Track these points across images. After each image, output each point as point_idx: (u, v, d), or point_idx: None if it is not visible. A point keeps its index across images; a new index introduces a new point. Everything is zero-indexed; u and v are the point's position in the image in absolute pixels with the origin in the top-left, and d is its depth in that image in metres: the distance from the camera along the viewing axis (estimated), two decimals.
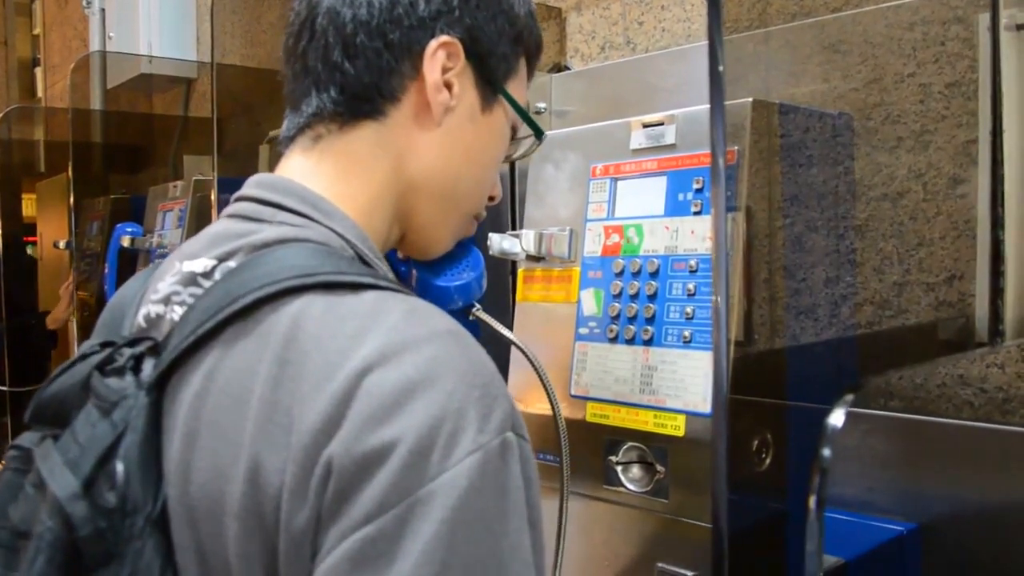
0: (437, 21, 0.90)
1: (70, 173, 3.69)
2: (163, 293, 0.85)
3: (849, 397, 0.93)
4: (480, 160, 0.98)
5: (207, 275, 0.83)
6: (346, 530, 0.67)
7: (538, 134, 1.06)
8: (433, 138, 0.92)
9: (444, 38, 0.90)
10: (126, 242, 3.02)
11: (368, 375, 0.70)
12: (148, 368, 0.80)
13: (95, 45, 4.89)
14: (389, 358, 0.71)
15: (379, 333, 0.72)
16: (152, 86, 4.25)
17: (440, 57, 0.90)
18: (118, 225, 3.10)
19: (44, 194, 4.94)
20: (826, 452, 0.89)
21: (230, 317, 0.77)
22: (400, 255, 1.06)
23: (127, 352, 0.81)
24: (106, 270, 3.07)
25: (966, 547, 1.25)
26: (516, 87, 0.99)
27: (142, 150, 4.46)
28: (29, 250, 5.33)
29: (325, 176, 0.90)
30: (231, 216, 0.89)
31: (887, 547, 1.25)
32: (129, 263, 3.05)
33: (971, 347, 1.33)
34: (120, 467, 0.75)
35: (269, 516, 0.71)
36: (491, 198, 1.04)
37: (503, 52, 0.95)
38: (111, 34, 4.37)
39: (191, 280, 0.83)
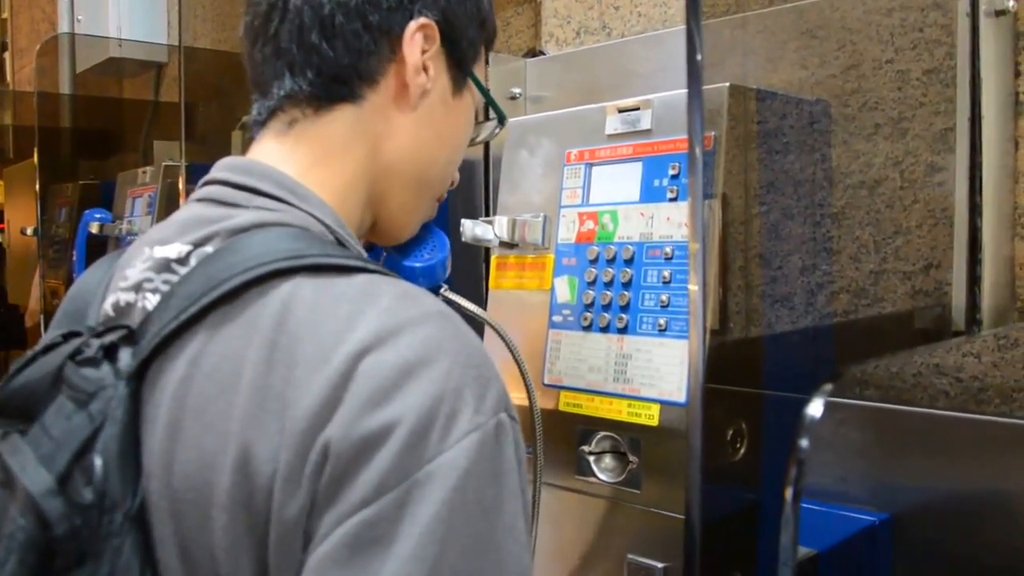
0: (415, 3, 0.89)
1: (36, 158, 3.64)
2: (133, 280, 0.83)
3: (828, 387, 0.91)
4: (451, 143, 0.98)
5: (182, 261, 0.81)
6: (343, 514, 0.66)
7: (501, 119, 1.06)
8: (409, 121, 0.92)
9: (423, 20, 0.89)
10: (95, 228, 2.98)
11: (365, 357, 0.69)
12: (125, 357, 0.77)
13: (64, 28, 4.83)
14: (385, 340, 0.70)
15: (373, 315, 0.72)
16: (122, 70, 4.20)
17: (419, 39, 0.89)
18: (86, 211, 3.06)
19: (11, 180, 4.88)
20: (803, 443, 0.88)
21: (215, 302, 0.75)
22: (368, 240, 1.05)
23: (96, 343, 0.78)
24: (74, 257, 3.02)
25: (938, 537, 1.25)
26: (480, 71, 1.00)
27: (112, 135, 4.41)
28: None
29: (301, 161, 0.88)
30: (202, 200, 0.86)
31: (859, 537, 1.25)
32: (98, 250, 3.02)
33: (947, 336, 1.33)
34: (99, 461, 0.72)
35: (260, 505, 0.70)
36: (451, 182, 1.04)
37: (472, 36, 0.96)
38: (79, 17, 4.32)
39: (164, 266, 0.81)
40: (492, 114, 1.06)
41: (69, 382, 0.76)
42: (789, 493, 0.87)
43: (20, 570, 0.70)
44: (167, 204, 2.80)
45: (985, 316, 1.31)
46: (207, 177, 0.89)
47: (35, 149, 3.68)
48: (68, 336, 0.80)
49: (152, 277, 0.81)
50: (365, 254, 0.90)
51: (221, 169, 0.88)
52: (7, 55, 6.55)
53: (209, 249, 0.80)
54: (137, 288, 0.82)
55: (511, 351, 1.19)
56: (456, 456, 0.67)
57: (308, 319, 0.72)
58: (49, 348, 0.80)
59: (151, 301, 0.80)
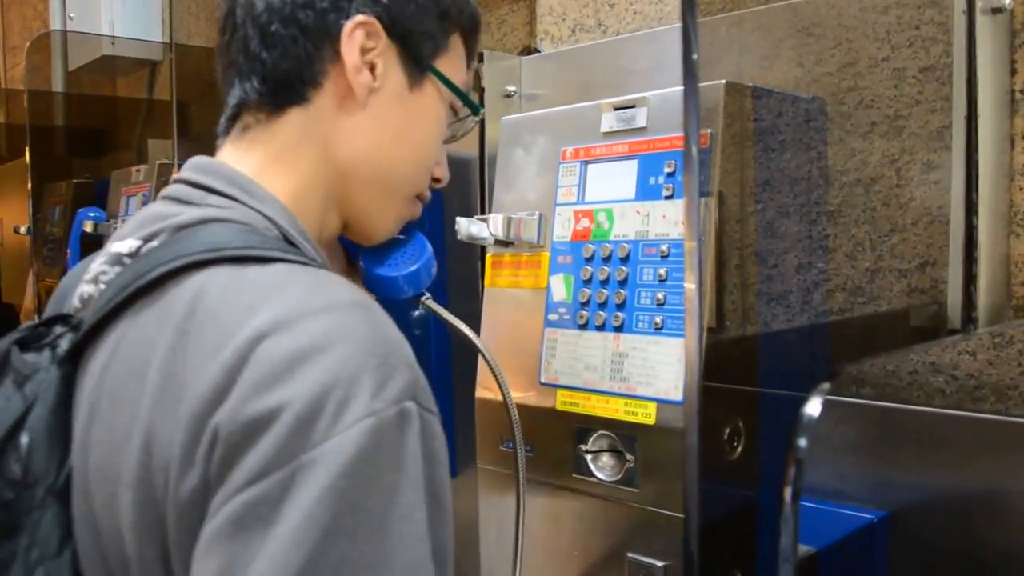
0: (352, 2, 0.90)
1: (28, 157, 3.63)
2: (93, 273, 0.87)
3: (826, 385, 0.91)
4: (413, 140, 0.98)
5: (132, 255, 0.84)
6: (229, 493, 0.68)
7: (474, 110, 1.05)
8: (360, 121, 0.92)
9: (360, 17, 0.89)
10: (88, 227, 2.98)
11: (261, 342, 0.70)
12: (65, 344, 0.82)
13: (55, 26, 4.81)
14: (283, 326, 0.71)
15: (277, 303, 0.73)
16: (115, 68, 4.19)
17: (358, 37, 0.90)
18: (80, 210, 3.06)
19: (4, 178, 4.87)
20: (802, 442, 0.88)
21: (137, 291, 0.79)
22: (349, 239, 1.05)
23: (57, 330, 0.84)
24: (68, 256, 3.02)
25: (936, 535, 1.25)
26: (449, 64, 0.98)
27: (106, 134, 4.40)
28: None
29: (254, 163, 0.90)
30: (165, 198, 0.90)
31: (857, 535, 1.25)
32: (92, 249, 3.00)
33: (943, 334, 1.33)
34: (24, 439, 0.76)
35: (159, 485, 0.72)
36: (436, 179, 1.03)
37: (427, 29, 0.95)
38: (71, 15, 4.31)
39: (117, 260, 0.85)
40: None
41: (12, 365, 0.81)
42: (788, 492, 0.86)
43: None
44: None
45: (981, 314, 1.31)
46: (175, 176, 0.92)
47: (27, 147, 3.67)
48: (38, 325, 0.86)
49: (107, 270, 0.85)
50: (318, 252, 0.91)
51: (187, 168, 0.91)
52: None
53: (155, 244, 0.83)
54: (95, 280, 0.86)
55: (485, 358, 1.19)
56: (344, 442, 0.67)
57: (215, 307, 0.74)
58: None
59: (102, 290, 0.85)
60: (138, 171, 3.00)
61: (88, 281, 0.87)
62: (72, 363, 0.81)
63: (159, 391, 0.73)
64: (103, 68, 4.11)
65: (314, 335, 0.70)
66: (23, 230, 3.89)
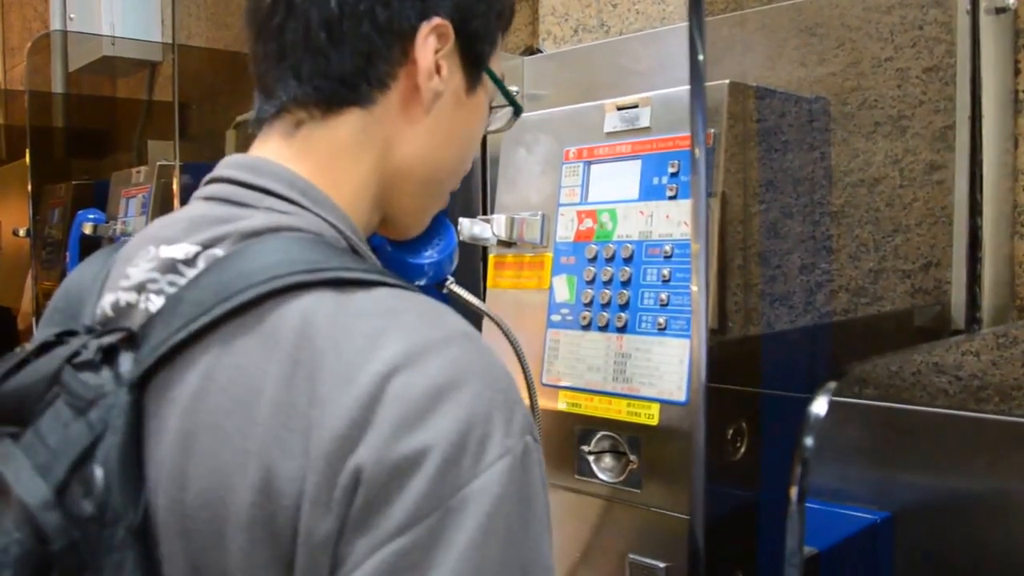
0: (427, 1, 0.84)
1: (28, 158, 3.63)
2: (136, 280, 0.79)
3: (832, 385, 0.91)
4: (463, 142, 0.95)
5: (189, 262, 0.77)
6: (377, 542, 0.65)
7: (517, 110, 1.03)
8: (421, 126, 0.88)
9: (436, 20, 0.85)
10: (88, 229, 2.97)
11: (394, 378, 0.67)
12: (127, 363, 0.74)
13: (56, 26, 4.82)
14: (414, 360, 0.68)
15: (398, 334, 0.70)
16: (115, 69, 4.20)
17: (432, 41, 0.85)
18: (80, 212, 3.05)
19: (3, 180, 4.87)
20: (808, 441, 0.88)
21: (228, 313, 0.72)
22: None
23: (94, 344, 0.74)
24: (68, 258, 3.02)
25: (939, 535, 1.25)
26: (495, 62, 0.95)
27: (105, 135, 4.40)
28: None
29: (309, 164, 0.84)
30: (209, 199, 0.83)
31: (860, 536, 1.25)
32: (91, 251, 3.01)
33: (947, 335, 1.33)
34: (99, 472, 0.69)
35: (283, 527, 0.67)
36: None
37: (490, 32, 0.91)
38: (72, 15, 4.31)
39: (170, 267, 0.78)
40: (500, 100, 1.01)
41: (67, 387, 0.73)
42: (794, 492, 0.86)
43: None
44: (161, 204, 2.80)
45: (985, 314, 1.31)
46: (212, 174, 0.86)
47: (27, 149, 3.67)
48: (63, 335, 0.77)
49: (157, 278, 0.78)
50: (377, 260, 0.88)
51: (228, 167, 0.85)
52: None
53: (219, 252, 0.77)
54: (140, 288, 0.79)
55: (515, 348, 1.18)
56: (488, 481, 0.66)
57: (330, 335, 0.70)
58: (44, 348, 0.76)
59: (155, 303, 0.77)
60: (138, 172, 3.00)
61: (128, 289, 0.80)
62: (140, 387, 0.74)
63: (275, 424, 0.69)
64: (103, 69, 4.12)
65: (446, 371, 0.68)
66: (22, 232, 3.88)
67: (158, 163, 2.90)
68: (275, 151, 0.85)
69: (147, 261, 0.80)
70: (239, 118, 2.67)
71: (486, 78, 0.93)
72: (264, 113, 0.87)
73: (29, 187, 3.61)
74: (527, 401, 1.19)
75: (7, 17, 6.25)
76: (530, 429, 0.71)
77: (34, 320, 3.66)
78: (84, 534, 0.68)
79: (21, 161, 4.04)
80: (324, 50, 0.83)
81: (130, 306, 0.79)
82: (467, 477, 0.66)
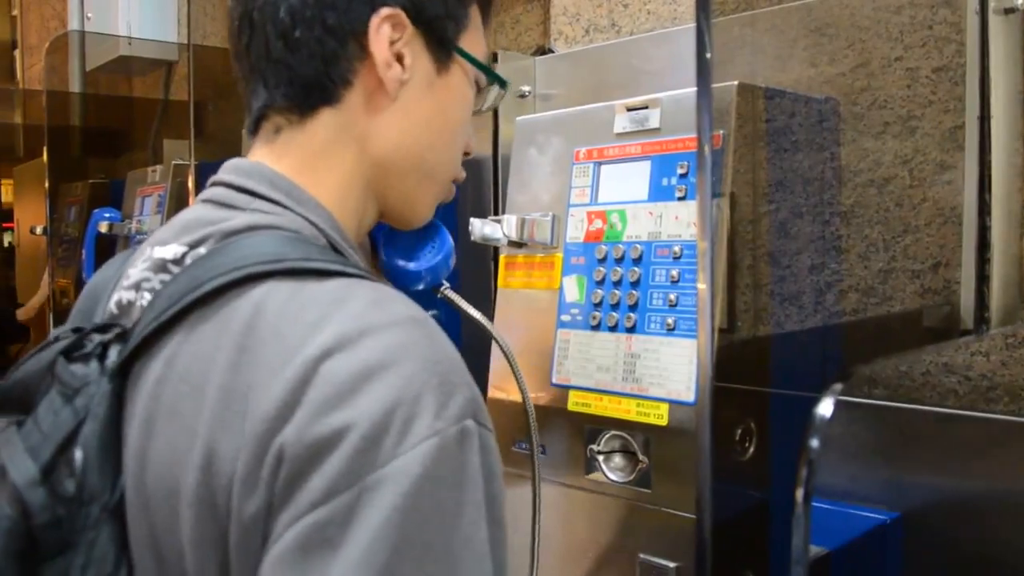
0: None
1: (45, 157, 3.65)
2: (134, 279, 0.84)
3: (838, 386, 0.92)
4: (445, 126, 0.95)
5: (177, 262, 0.82)
6: (295, 516, 0.67)
7: (501, 83, 1.02)
8: (392, 115, 0.90)
9: (385, 11, 0.86)
10: (104, 228, 3.00)
11: (325, 361, 0.69)
12: (113, 355, 0.79)
13: (73, 26, 4.84)
14: (346, 344, 0.70)
15: (339, 320, 0.72)
16: (132, 68, 4.22)
17: (385, 31, 0.86)
18: (95, 211, 3.07)
19: (21, 179, 4.90)
20: (814, 443, 0.88)
21: (193, 303, 0.77)
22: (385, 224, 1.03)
23: (96, 338, 0.80)
24: (83, 256, 3.03)
25: (949, 536, 1.25)
26: (471, 39, 0.95)
27: (122, 134, 4.43)
28: (7, 237, 5.29)
29: (291, 166, 0.87)
30: (206, 202, 0.87)
31: (870, 536, 1.25)
32: (107, 249, 3.03)
33: (956, 335, 1.33)
34: (79, 454, 0.74)
35: (221, 504, 0.70)
36: (466, 152, 1.01)
37: (451, 11, 0.91)
38: (89, 15, 4.33)
39: (161, 267, 0.83)
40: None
41: (59, 377, 0.78)
42: (800, 493, 0.87)
43: (2, 556, 0.72)
44: (176, 203, 2.81)
45: (993, 315, 1.31)
46: (214, 178, 0.89)
47: (44, 148, 3.69)
48: (75, 332, 0.82)
49: (150, 276, 0.83)
50: (361, 258, 0.90)
51: (227, 171, 0.88)
52: (17, 53, 6.57)
53: (202, 251, 0.81)
54: (137, 287, 0.84)
55: (503, 350, 1.18)
56: (409, 462, 0.66)
57: (276, 323, 0.73)
58: (53, 343, 0.82)
59: (146, 300, 0.82)
60: (154, 171, 3.01)
61: (128, 288, 0.85)
62: (122, 376, 0.78)
63: (220, 407, 0.72)
64: (120, 68, 4.14)
65: (377, 352, 0.70)
66: (39, 230, 3.91)
67: (173, 162, 2.92)
68: (262, 155, 0.89)
69: (143, 262, 0.85)
70: None
71: (462, 59, 0.94)
72: (250, 125, 0.91)
73: (47, 185, 3.63)
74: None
75: (25, 16, 6.29)
76: (473, 414, 0.71)
77: (50, 317, 3.68)
78: (67, 511, 0.73)
79: (39, 159, 4.08)
80: (284, 59, 0.86)
81: (130, 304, 0.84)
82: (387, 457, 0.66)
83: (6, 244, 5.36)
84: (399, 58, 0.88)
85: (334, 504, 0.66)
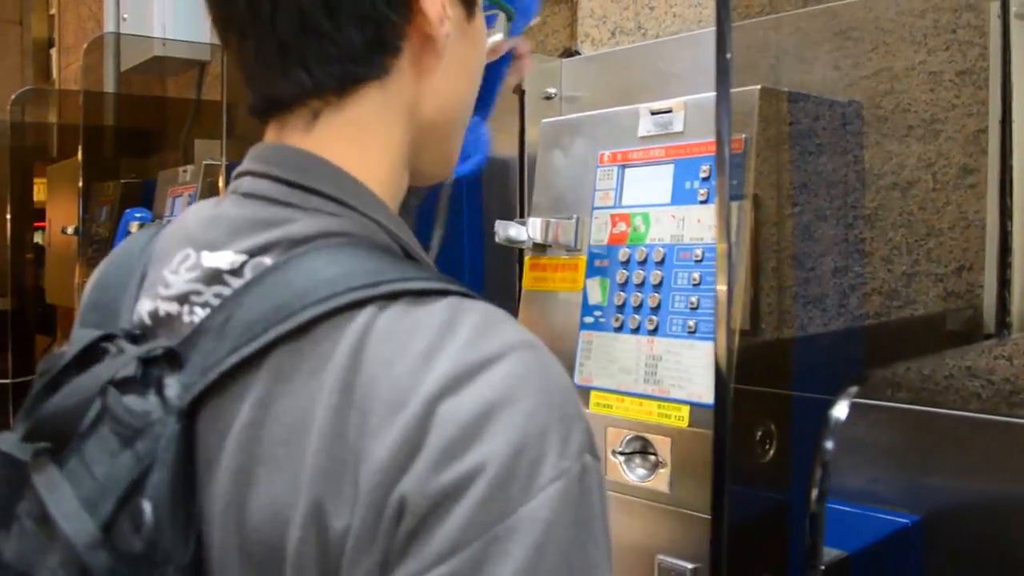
0: None
1: (80, 157, 3.68)
2: (178, 290, 0.74)
3: (853, 389, 0.92)
4: (475, 69, 0.89)
5: (235, 272, 0.72)
6: (417, 572, 0.61)
7: (509, 14, 0.98)
8: (441, 75, 0.81)
9: None
10: (135, 228, 3.02)
11: (442, 401, 0.63)
12: (173, 387, 0.69)
13: (109, 26, 4.88)
14: (463, 381, 0.63)
15: (450, 350, 0.65)
16: (165, 69, 4.25)
17: None
18: (127, 211, 3.10)
19: (54, 178, 4.94)
20: (829, 445, 0.89)
21: (281, 336, 0.68)
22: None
23: (133, 355, 0.70)
24: None
25: (970, 540, 1.25)
26: None
27: (154, 134, 4.46)
28: (38, 236, 5.33)
29: (340, 153, 0.77)
30: (249, 195, 0.77)
31: (890, 540, 1.25)
32: None
33: (979, 339, 1.33)
34: (148, 508, 0.65)
35: (332, 563, 0.64)
36: None
37: None
38: (125, 16, 4.38)
39: (215, 277, 0.73)
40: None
41: (112, 412, 0.68)
42: (815, 494, 0.87)
43: None
44: None
45: (1015, 319, 1.31)
46: (244, 167, 0.79)
47: (79, 147, 3.72)
48: (103, 339, 0.73)
49: (201, 290, 0.73)
50: (430, 262, 0.83)
51: (264, 161, 0.78)
52: (54, 51, 6.65)
53: (267, 261, 0.72)
54: (182, 300, 0.74)
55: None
56: (539, 507, 0.61)
57: (383, 358, 0.65)
58: (86, 354, 0.72)
59: (199, 316, 0.73)
60: (184, 171, 3.04)
61: (169, 298, 0.75)
62: (190, 414, 0.68)
63: (326, 457, 0.64)
64: (154, 68, 4.17)
65: (497, 388, 0.63)
66: (70, 230, 3.94)
67: (204, 162, 2.93)
68: (305, 145, 0.78)
69: (188, 269, 0.75)
70: None
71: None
72: (268, 110, 0.80)
73: (80, 184, 3.65)
74: None
75: (62, 16, 6.36)
76: (589, 447, 0.66)
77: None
78: (132, 571, 0.65)
79: (71, 160, 4.12)
80: (328, 33, 0.74)
81: (171, 317, 0.74)
82: (516, 503, 0.61)
83: (37, 243, 5.40)
84: (444, 10, 0.78)
85: (461, 558, 0.60)
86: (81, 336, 0.74)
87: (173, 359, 0.70)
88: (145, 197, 3.42)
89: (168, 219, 2.90)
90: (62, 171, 4.61)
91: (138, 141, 4.47)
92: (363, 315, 0.67)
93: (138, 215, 3.05)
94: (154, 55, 3.95)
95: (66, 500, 0.66)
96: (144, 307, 0.76)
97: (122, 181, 3.82)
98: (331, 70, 0.76)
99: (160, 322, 0.75)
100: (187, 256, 0.76)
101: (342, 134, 0.78)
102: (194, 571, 0.67)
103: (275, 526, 0.66)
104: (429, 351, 0.65)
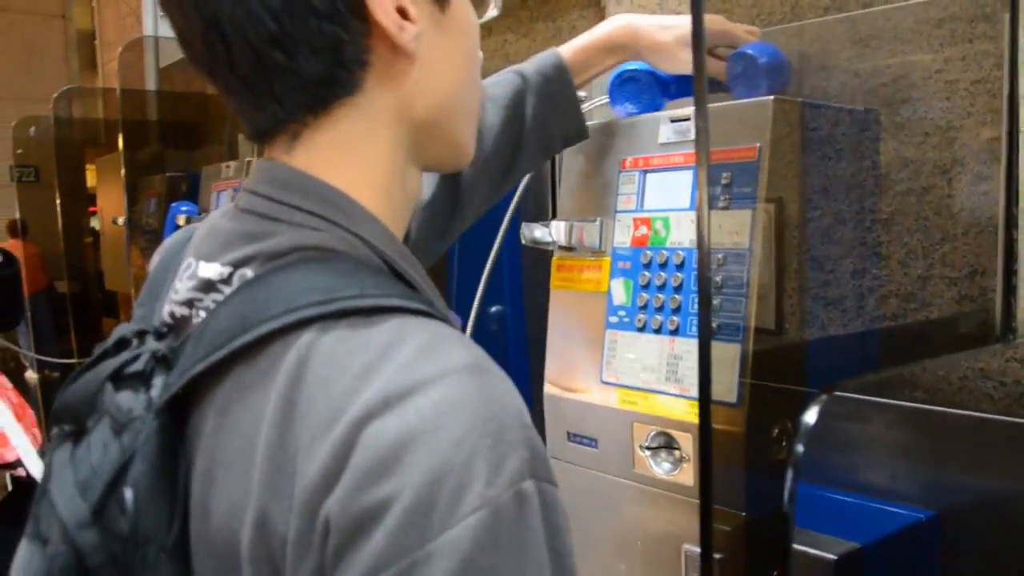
0: None
1: (121, 150, 3.75)
2: (183, 296, 0.80)
3: (823, 396, 0.96)
4: (466, 58, 0.89)
5: (226, 281, 0.77)
6: None
7: None
8: (419, 74, 0.82)
9: None
10: (181, 221, 3.10)
11: (368, 424, 0.64)
12: (157, 386, 0.75)
13: (148, 23, 4.97)
14: (392, 404, 0.65)
15: (386, 372, 0.66)
16: None
17: None
18: (173, 204, 3.18)
19: (103, 170, 5.04)
20: (799, 448, 0.93)
21: (242, 348, 0.72)
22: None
23: (147, 354, 0.76)
24: None
25: (982, 536, 1.27)
26: None
27: (197, 129, 4.53)
28: (94, 222, 5.44)
29: (324, 168, 0.80)
30: (244, 211, 0.81)
31: (904, 533, 1.28)
32: None
33: (992, 341, 1.36)
34: (129, 495, 0.71)
35: (278, 563, 0.68)
36: None
37: None
38: (163, 13, 4.44)
39: (209, 286, 0.78)
40: None
41: (107, 406, 0.74)
42: (786, 495, 0.92)
43: None
44: None
45: (1021, 325, 1.33)
46: (249, 185, 0.82)
47: (119, 142, 3.79)
48: (139, 334, 0.80)
49: (201, 297, 0.78)
50: (417, 270, 0.83)
51: (261, 180, 0.81)
52: (96, 44, 6.75)
53: (248, 273, 0.76)
54: (189, 304, 0.79)
55: None
56: (459, 536, 0.62)
57: (321, 377, 0.68)
58: (119, 346, 0.79)
59: (200, 318, 0.78)
60: (228, 167, 3.10)
61: (179, 303, 0.80)
62: (170, 412, 0.74)
63: (270, 467, 0.68)
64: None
65: (424, 413, 0.64)
66: (120, 221, 4.03)
67: (247, 159, 3.00)
68: (290, 162, 0.81)
69: (188, 278, 0.80)
70: None
71: None
72: (258, 135, 0.83)
73: (123, 175, 3.72)
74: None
75: (102, 13, 6.45)
76: (531, 473, 0.65)
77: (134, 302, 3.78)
78: (121, 550, 0.70)
79: (117, 152, 4.21)
80: (284, 65, 0.76)
81: (184, 319, 0.80)
82: (436, 531, 0.62)
83: (94, 228, 5.51)
84: (403, 14, 0.78)
85: None
86: (120, 329, 0.81)
87: (166, 360, 0.76)
88: (190, 190, 3.49)
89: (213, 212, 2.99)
90: (109, 163, 4.69)
91: (181, 136, 4.54)
92: (310, 333, 0.70)
93: (184, 208, 3.12)
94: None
95: (65, 483, 0.73)
96: (166, 308, 0.82)
97: (168, 175, 3.88)
98: (299, 97, 0.78)
99: (177, 322, 0.80)
100: (190, 265, 0.81)
101: (324, 153, 0.80)
102: (181, 553, 0.72)
103: (231, 526, 0.70)
104: (366, 371, 0.66)
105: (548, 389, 1.46)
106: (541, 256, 1.78)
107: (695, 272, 1.28)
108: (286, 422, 0.68)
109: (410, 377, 0.66)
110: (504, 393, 0.68)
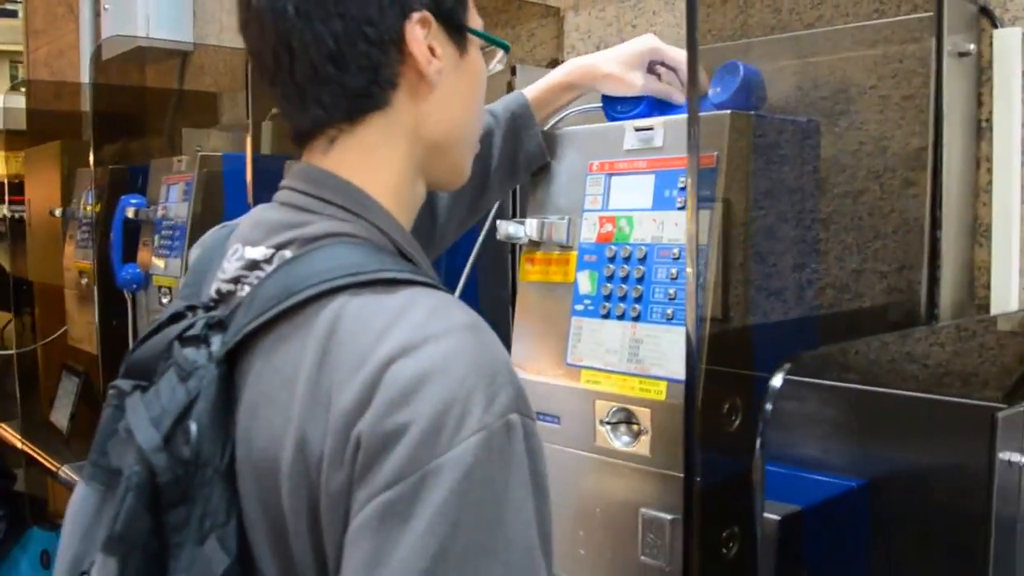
0: (403, 1, 0.96)
1: (92, 140, 3.67)
2: (230, 274, 0.97)
3: (787, 365, 1.10)
4: (475, 98, 1.08)
5: (268, 261, 0.94)
6: (371, 493, 0.79)
7: (505, 48, 1.14)
8: (436, 102, 1.00)
9: (415, 15, 0.96)
10: (131, 213, 3.06)
11: (391, 365, 0.81)
12: (216, 343, 0.91)
13: (85, 13, 4.90)
14: (409, 351, 0.81)
15: (403, 328, 0.83)
16: (146, 58, 4.27)
17: (418, 33, 0.96)
18: (123, 196, 3.12)
19: (32, 160, 4.90)
20: (768, 407, 1.06)
21: (286, 310, 0.89)
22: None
23: (201, 322, 0.93)
24: (112, 240, 3.10)
25: (908, 500, 1.37)
26: (471, 16, 1.06)
27: (135, 121, 4.45)
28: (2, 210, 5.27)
29: (352, 169, 0.98)
30: (283, 204, 0.99)
31: (840, 499, 1.37)
32: (133, 233, 3.11)
33: (915, 326, 1.48)
34: (194, 427, 0.86)
35: (313, 477, 0.83)
36: None
37: None
38: (107, 6, 4.38)
39: (254, 265, 0.95)
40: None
41: (175, 359, 0.90)
42: (758, 446, 1.03)
43: (136, 504, 0.85)
44: (205, 191, 2.89)
45: (944, 311, 1.46)
46: (287, 182, 1.00)
47: (92, 131, 3.70)
48: (189, 308, 0.97)
49: (246, 274, 0.95)
50: (423, 257, 1.00)
51: (297, 178, 0.99)
52: (22, 34, 6.57)
53: (288, 254, 0.93)
54: (235, 281, 0.96)
55: None
56: (462, 452, 0.78)
57: (352, 330, 0.84)
58: (174, 318, 0.96)
59: (245, 292, 0.95)
60: (179, 161, 3.09)
61: (226, 280, 0.97)
62: (227, 363, 0.90)
63: (309, 399, 0.84)
64: (135, 58, 4.19)
65: (434, 358, 0.81)
66: (58, 213, 3.98)
67: (199, 153, 3.00)
68: (325, 164, 0.99)
69: (236, 260, 0.97)
70: (274, 110, 2.78)
71: (471, 36, 1.05)
72: (300, 137, 1.02)
73: (90, 168, 3.64)
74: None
75: (31, 0, 6.29)
76: (516, 408, 0.82)
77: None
78: (185, 471, 0.86)
79: (50, 143, 4.15)
80: (335, 78, 0.95)
81: (230, 293, 0.97)
82: (444, 448, 0.78)
83: (16, 218, 5.32)
84: (432, 51, 0.98)
85: (402, 485, 0.78)
86: (172, 306, 0.99)
87: (221, 324, 0.93)
88: (132, 183, 3.45)
89: (163, 204, 3.01)
90: (40, 154, 4.57)
91: (119, 128, 4.47)
92: (341, 298, 0.87)
93: (133, 201, 3.08)
94: (137, 45, 3.96)
95: (140, 418, 0.89)
96: (213, 287, 0.99)
97: (110, 167, 3.83)
98: (341, 105, 0.97)
99: (223, 297, 0.98)
100: (237, 249, 0.98)
101: (354, 155, 0.99)
102: (230, 473, 0.88)
103: (272, 448, 0.86)
104: (386, 327, 0.83)
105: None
106: (499, 248, 1.86)
107: (656, 265, 1.37)
108: (322, 364, 0.85)
109: (422, 332, 0.83)
110: (495, 346, 0.86)
